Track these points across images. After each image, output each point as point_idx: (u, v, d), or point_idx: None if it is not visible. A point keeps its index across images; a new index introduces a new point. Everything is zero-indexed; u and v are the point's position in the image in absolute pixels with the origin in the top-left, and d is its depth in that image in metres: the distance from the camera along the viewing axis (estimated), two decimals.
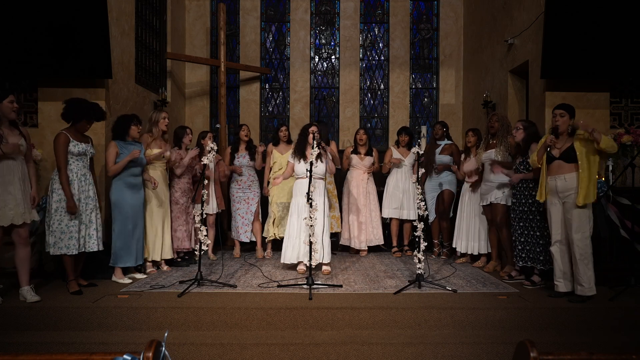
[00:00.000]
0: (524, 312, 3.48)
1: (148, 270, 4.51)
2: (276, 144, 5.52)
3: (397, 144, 5.78)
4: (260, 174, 5.57)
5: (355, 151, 5.66)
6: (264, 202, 5.58)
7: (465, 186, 5.13)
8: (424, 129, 4.44)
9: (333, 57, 8.14)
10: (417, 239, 4.03)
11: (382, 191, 5.80)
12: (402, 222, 5.72)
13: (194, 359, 3.03)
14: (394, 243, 5.71)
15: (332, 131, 7.92)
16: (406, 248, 5.74)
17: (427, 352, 3.08)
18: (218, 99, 7.13)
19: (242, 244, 5.55)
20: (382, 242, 5.66)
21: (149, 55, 6.27)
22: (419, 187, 4.08)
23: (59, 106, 3.92)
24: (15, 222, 3.49)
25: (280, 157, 5.42)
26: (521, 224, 4.15)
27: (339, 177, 5.89)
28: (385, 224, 5.95)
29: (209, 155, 4.05)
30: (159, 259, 4.58)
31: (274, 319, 3.40)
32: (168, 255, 4.62)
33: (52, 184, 3.82)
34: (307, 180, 4.08)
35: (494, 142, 4.64)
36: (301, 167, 4.55)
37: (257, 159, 5.44)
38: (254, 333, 3.32)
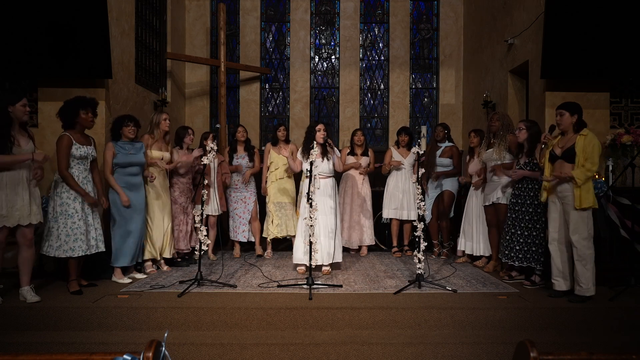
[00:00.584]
0: (524, 312, 3.48)
1: (148, 270, 4.51)
2: (275, 143, 5.52)
3: (397, 144, 5.77)
4: (257, 174, 5.57)
5: (352, 152, 5.66)
6: (263, 202, 5.58)
7: (472, 187, 5.12)
8: (424, 129, 4.43)
9: (333, 57, 8.14)
10: (417, 239, 4.03)
11: (382, 191, 5.80)
12: (402, 222, 5.72)
13: (194, 359, 3.03)
14: (394, 243, 5.71)
15: (332, 131, 7.91)
16: (406, 248, 5.73)
17: (427, 352, 3.08)
18: (218, 99, 7.13)
19: (241, 244, 5.55)
20: (374, 242, 5.66)
21: (149, 55, 6.27)
22: (419, 187, 4.08)
23: (58, 106, 3.92)
24: (22, 223, 3.50)
25: (277, 157, 5.42)
26: (522, 224, 4.14)
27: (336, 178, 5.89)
28: (385, 224, 5.95)
29: (209, 155, 4.05)
30: (161, 257, 4.58)
31: (274, 319, 3.40)
32: (168, 254, 4.62)
33: (54, 187, 3.81)
34: (315, 179, 4.10)
35: (495, 141, 4.63)
36: (307, 166, 4.55)
37: (255, 162, 5.45)
38: (254, 333, 3.32)
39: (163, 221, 4.53)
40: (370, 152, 5.70)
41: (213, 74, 7.87)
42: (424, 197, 4.32)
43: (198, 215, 4.05)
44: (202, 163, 4.07)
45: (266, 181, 5.45)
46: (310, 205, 4.00)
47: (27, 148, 3.56)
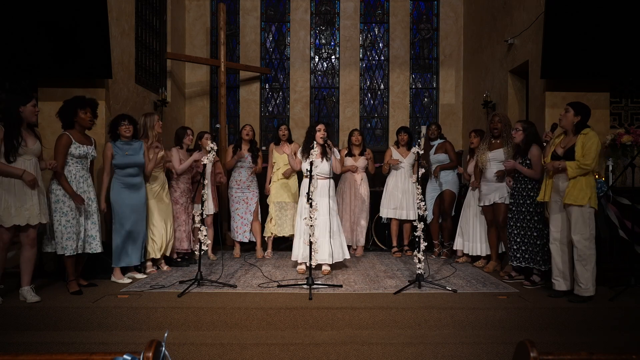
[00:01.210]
0: (524, 312, 3.47)
1: (148, 270, 4.51)
2: (277, 143, 5.52)
3: (397, 144, 5.78)
4: (260, 174, 5.57)
5: (349, 153, 5.66)
6: (264, 202, 5.58)
7: (470, 188, 5.12)
8: (424, 129, 4.45)
9: (333, 57, 8.14)
10: (417, 239, 4.03)
11: (382, 191, 5.80)
12: (402, 222, 5.72)
13: (194, 359, 3.03)
14: (394, 243, 5.71)
15: (332, 131, 7.91)
16: (406, 248, 5.73)
17: (427, 352, 3.08)
18: (218, 99, 7.13)
19: (242, 244, 5.55)
20: (363, 244, 5.66)
21: (149, 55, 6.27)
22: (419, 187, 4.08)
23: (59, 106, 3.93)
24: (31, 223, 3.52)
25: (279, 157, 5.43)
26: (518, 224, 4.15)
27: (335, 179, 5.89)
28: (385, 224, 5.94)
29: (208, 155, 4.05)
30: (167, 254, 4.59)
31: (274, 319, 3.40)
32: (167, 252, 4.61)
33: (51, 184, 3.82)
34: (314, 179, 4.09)
35: (498, 142, 4.62)
36: (307, 166, 4.56)
37: (258, 163, 5.45)
38: (254, 333, 3.32)
39: (163, 221, 4.53)
40: (368, 152, 5.69)
41: (213, 74, 7.87)
42: (424, 196, 4.32)
43: (198, 216, 4.05)
44: (202, 163, 4.07)
45: (269, 181, 5.45)
46: (310, 205, 4.00)
47: (34, 148, 3.59)
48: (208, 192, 5.07)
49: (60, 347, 3.08)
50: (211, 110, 7.94)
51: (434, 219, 5.52)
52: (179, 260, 4.92)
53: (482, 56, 6.87)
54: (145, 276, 4.38)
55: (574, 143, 3.60)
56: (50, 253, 3.97)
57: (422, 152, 4.17)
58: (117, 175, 4.20)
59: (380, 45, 8.15)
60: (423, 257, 3.99)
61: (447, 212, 5.43)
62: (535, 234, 4.06)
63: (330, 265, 4.62)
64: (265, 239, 5.52)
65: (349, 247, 5.65)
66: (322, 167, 4.55)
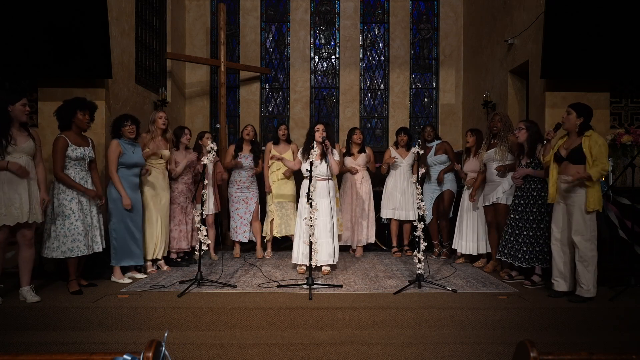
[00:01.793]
0: (524, 312, 3.48)
1: (148, 270, 4.51)
2: (276, 143, 5.52)
3: (396, 144, 5.77)
4: (259, 175, 5.57)
5: (348, 153, 5.64)
6: (264, 202, 5.58)
7: (465, 187, 5.14)
8: None
9: (333, 57, 8.14)
10: (417, 239, 4.03)
11: (381, 192, 5.79)
12: (401, 222, 5.72)
13: (194, 359, 3.03)
14: (394, 243, 5.71)
15: (332, 131, 7.90)
16: (406, 248, 5.73)
17: (427, 352, 3.08)
18: (218, 99, 7.13)
19: (242, 244, 5.54)
20: (374, 240, 5.65)
21: (149, 55, 6.27)
22: (418, 187, 4.08)
23: (58, 106, 3.93)
24: (21, 221, 3.50)
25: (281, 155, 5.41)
26: (520, 224, 4.14)
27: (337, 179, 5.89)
28: (385, 224, 5.94)
29: (208, 155, 4.05)
30: (159, 257, 4.58)
31: (274, 319, 3.40)
32: (160, 254, 4.60)
33: (52, 189, 3.81)
34: (315, 180, 4.09)
35: (496, 141, 4.63)
36: (307, 166, 4.55)
37: (259, 165, 5.44)
38: (254, 333, 3.32)
39: (159, 222, 4.52)
40: (368, 150, 5.67)
41: (213, 74, 7.87)
42: (423, 197, 4.32)
43: (198, 216, 4.05)
44: (202, 163, 4.07)
45: (268, 179, 5.44)
46: (310, 206, 4.00)
47: (25, 146, 3.56)
48: (209, 192, 5.08)
49: (60, 347, 3.08)
50: (211, 110, 7.94)
51: (433, 219, 5.52)
52: (179, 260, 4.92)
53: (482, 56, 6.87)
54: (145, 276, 4.38)
55: (577, 144, 3.60)
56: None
57: (422, 152, 4.17)
58: (122, 174, 4.17)
59: (380, 45, 8.15)
60: (423, 257, 3.99)
61: (447, 211, 5.43)
62: (538, 233, 4.06)
63: (330, 265, 4.62)
64: (265, 239, 5.51)
65: (348, 247, 5.66)
66: (321, 168, 4.54)
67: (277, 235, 5.41)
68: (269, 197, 5.46)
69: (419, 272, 3.99)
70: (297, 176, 5.43)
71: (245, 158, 5.37)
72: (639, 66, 4.69)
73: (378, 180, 5.88)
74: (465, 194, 5.10)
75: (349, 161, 5.59)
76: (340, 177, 5.74)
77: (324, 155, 4.53)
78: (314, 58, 8.13)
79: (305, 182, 4.59)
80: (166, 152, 4.59)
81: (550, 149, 3.80)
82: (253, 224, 5.43)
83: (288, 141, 5.51)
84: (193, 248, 4.97)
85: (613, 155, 4.81)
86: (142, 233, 4.34)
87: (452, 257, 5.41)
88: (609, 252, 4.24)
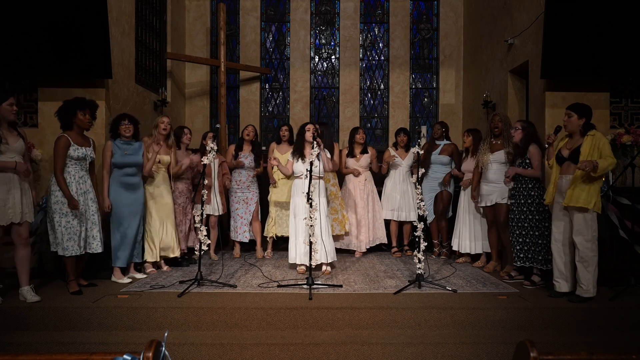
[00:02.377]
0: (524, 312, 3.47)
1: (148, 270, 4.50)
2: (278, 143, 5.52)
3: (395, 145, 5.76)
4: (260, 175, 5.56)
5: (351, 154, 5.62)
6: (264, 202, 5.58)
7: (462, 187, 5.14)
8: (424, 129, 4.44)
9: (333, 57, 8.15)
10: (417, 239, 4.03)
11: (381, 192, 5.78)
12: (401, 222, 5.71)
13: (194, 359, 3.03)
14: (394, 243, 5.71)
15: (332, 131, 7.91)
16: (406, 248, 5.73)
17: (427, 352, 3.08)
18: (218, 99, 7.13)
19: (242, 244, 5.54)
20: (385, 241, 5.63)
21: (149, 55, 6.27)
22: (418, 187, 4.08)
23: (59, 106, 3.92)
24: (15, 221, 3.50)
25: (280, 157, 5.41)
26: (519, 224, 4.15)
27: (339, 179, 5.87)
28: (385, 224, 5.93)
29: (208, 155, 4.05)
30: (162, 257, 4.58)
31: (274, 319, 3.40)
32: (172, 254, 4.60)
33: (50, 186, 3.82)
34: (305, 179, 4.07)
35: (498, 142, 4.60)
36: (299, 166, 4.56)
37: (260, 165, 5.44)
38: (254, 333, 3.32)
39: (165, 222, 4.52)
40: (371, 150, 5.66)
41: (213, 74, 7.87)
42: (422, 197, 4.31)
43: (198, 216, 4.05)
44: (202, 163, 4.08)
45: (274, 180, 5.42)
46: (311, 205, 4.00)
47: (16, 146, 3.56)
48: (211, 193, 5.06)
49: (60, 347, 3.08)
50: (211, 110, 7.94)
51: (433, 219, 5.52)
52: (179, 260, 4.92)
53: (482, 56, 6.87)
54: (145, 276, 4.38)
55: (579, 145, 3.61)
56: (51, 253, 3.97)
57: (422, 152, 4.16)
58: (114, 175, 4.19)
59: (380, 45, 8.15)
60: (423, 257, 3.99)
61: (445, 211, 5.43)
62: (537, 232, 4.06)
63: (329, 265, 4.61)
64: (267, 238, 5.52)
65: (353, 251, 5.64)
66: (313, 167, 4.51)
67: (278, 235, 5.41)
68: (269, 197, 5.47)
69: (419, 272, 3.99)
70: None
71: (245, 158, 5.37)
72: (639, 66, 4.69)
73: (377, 181, 5.87)
74: (462, 193, 5.11)
75: (351, 162, 5.57)
76: (343, 177, 5.73)
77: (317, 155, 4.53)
78: (314, 58, 8.13)
79: (297, 182, 4.60)
80: (165, 158, 4.58)
81: (553, 151, 3.80)
82: (253, 224, 5.43)
83: (290, 142, 5.51)
84: (190, 248, 4.97)
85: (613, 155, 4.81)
86: (141, 233, 4.33)
87: (452, 257, 5.41)
88: (609, 252, 4.24)
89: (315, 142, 4.17)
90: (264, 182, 5.60)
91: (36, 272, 4.16)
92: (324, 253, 4.40)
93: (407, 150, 5.66)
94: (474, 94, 7.26)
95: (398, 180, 5.64)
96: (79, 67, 4.54)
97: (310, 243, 4.02)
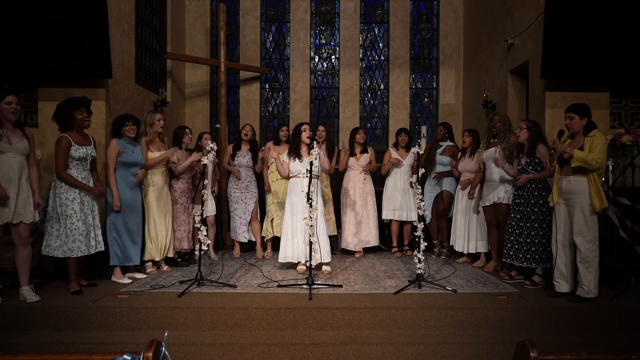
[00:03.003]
0: (524, 312, 3.48)
1: (148, 270, 4.51)
2: (277, 143, 5.52)
3: (396, 145, 5.76)
4: (259, 174, 5.57)
5: (351, 153, 5.63)
6: (263, 202, 5.58)
7: (460, 187, 5.15)
8: (424, 129, 4.41)
9: (333, 57, 8.14)
10: (417, 239, 4.03)
11: (382, 192, 5.78)
12: (402, 222, 5.71)
13: (194, 359, 3.03)
14: (394, 243, 5.71)
15: (332, 131, 7.91)
16: (406, 248, 5.73)
17: (427, 352, 3.08)
18: (218, 99, 7.13)
19: (242, 244, 5.54)
20: (377, 244, 5.63)
21: (149, 55, 6.27)
22: (418, 187, 4.08)
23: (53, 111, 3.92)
24: (9, 221, 3.49)
25: (279, 157, 5.41)
26: (521, 224, 4.14)
27: (338, 179, 5.88)
28: (385, 224, 5.94)
29: (208, 155, 4.05)
30: (160, 258, 4.58)
31: (274, 319, 3.40)
32: (170, 253, 4.62)
33: (54, 188, 3.80)
34: (301, 179, 4.08)
35: (495, 141, 4.63)
36: (295, 165, 4.56)
37: (258, 163, 5.44)
38: (254, 333, 3.32)
39: (164, 222, 4.53)
40: (370, 150, 5.66)
41: (213, 74, 7.87)
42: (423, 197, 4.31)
43: (198, 216, 4.05)
44: (202, 163, 4.08)
45: (268, 177, 5.43)
46: (310, 205, 4.00)
47: (19, 146, 3.55)
48: (209, 192, 5.08)
49: (60, 347, 3.08)
50: (211, 110, 7.94)
51: (432, 219, 5.52)
52: (179, 260, 4.92)
53: (482, 56, 6.87)
54: (145, 276, 4.38)
55: (580, 145, 3.61)
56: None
57: (422, 152, 4.17)
58: (120, 173, 4.17)
59: (380, 45, 8.14)
60: (423, 257, 3.99)
61: (445, 211, 5.43)
62: (540, 233, 4.06)
63: (326, 263, 4.60)
64: (265, 239, 5.51)
65: (353, 252, 5.64)
66: (306, 166, 4.50)
67: (278, 236, 5.41)
68: (268, 197, 5.47)
69: (419, 272, 3.99)
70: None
71: (243, 157, 5.38)
72: (639, 66, 4.69)
73: (377, 181, 5.87)
74: (461, 193, 5.11)
75: (351, 162, 5.58)
76: (342, 176, 5.73)
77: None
78: (314, 58, 8.13)
79: (293, 181, 4.60)
80: (174, 157, 4.59)
81: (556, 156, 3.79)
82: (252, 224, 5.43)
83: (289, 142, 5.50)
84: (193, 248, 4.97)
85: (613, 155, 4.81)
86: (140, 233, 4.33)
87: (452, 257, 5.41)
88: (609, 252, 4.24)
89: (314, 142, 4.19)
90: (263, 182, 5.60)
91: (36, 272, 4.15)
92: (325, 253, 4.40)
93: (407, 150, 5.66)
94: (474, 94, 7.26)
95: (399, 180, 5.64)
96: (79, 67, 4.54)
97: (310, 243, 4.01)
